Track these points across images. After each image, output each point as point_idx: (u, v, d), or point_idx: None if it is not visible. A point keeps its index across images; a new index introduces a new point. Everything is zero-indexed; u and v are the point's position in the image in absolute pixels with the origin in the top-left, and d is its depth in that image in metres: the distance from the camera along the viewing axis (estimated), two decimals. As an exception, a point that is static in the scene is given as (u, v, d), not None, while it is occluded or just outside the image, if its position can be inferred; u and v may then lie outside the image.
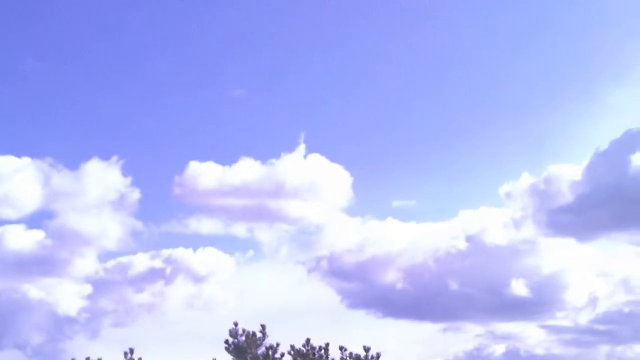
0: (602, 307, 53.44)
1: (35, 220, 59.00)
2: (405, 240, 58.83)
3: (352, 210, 61.01)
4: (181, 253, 57.57)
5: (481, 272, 54.50)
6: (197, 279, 57.00)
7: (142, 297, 55.69)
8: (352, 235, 59.28)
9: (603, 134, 71.06)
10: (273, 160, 59.79)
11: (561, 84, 69.38)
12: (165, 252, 57.51)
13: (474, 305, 52.89)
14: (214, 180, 59.49)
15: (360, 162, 67.20)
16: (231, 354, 21.27)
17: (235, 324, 21.37)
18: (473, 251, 55.78)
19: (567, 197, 53.66)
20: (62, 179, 58.19)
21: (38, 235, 56.13)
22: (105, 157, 59.05)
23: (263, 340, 21.03)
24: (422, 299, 54.63)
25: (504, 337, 53.57)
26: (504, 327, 54.60)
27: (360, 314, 54.18)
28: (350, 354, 20.62)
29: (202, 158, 61.01)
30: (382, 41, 70.83)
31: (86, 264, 56.57)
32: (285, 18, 70.50)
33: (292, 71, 70.52)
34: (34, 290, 54.15)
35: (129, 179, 58.24)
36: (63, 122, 67.98)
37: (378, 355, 20.68)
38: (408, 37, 70.79)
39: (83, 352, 21.72)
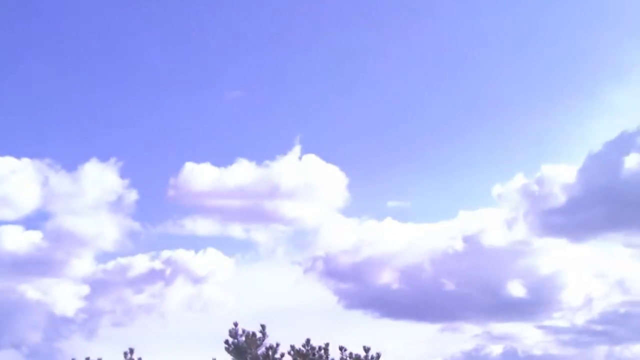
0: (598, 308, 53.69)
1: (33, 221, 58.92)
2: (401, 241, 58.97)
3: (348, 211, 61.25)
4: (179, 254, 57.73)
5: (477, 272, 54.70)
6: (195, 279, 57.09)
7: (140, 298, 55.83)
8: (349, 236, 59.41)
9: (603, 134, 71.53)
10: (269, 162, 59.98)
11: (560, 84, 69.21)
12: (163, 253, 57.63)
13: (471, 306, 53.08)
14: (210, 182, 59.66)
15: (356, 163, 67.14)
16: (231, 354, 21.30)
17: (235, 324, 21.44)
18: (469, 252, 55.96)
19: (560, 198, 54.00)
20: (60, 180, 58.31)
21: (36, 235, 56.33)
22: (103, 158, 59.23)
23: (263, 340, 21.09)
24: (419, 300, 54.86)
25: (501, 338, 53.75)
26: (501, 327, 54.78)
27: (357, 315, 54.40)
28: (350, 354, 20.68)
29: (198, 159, 60.99)
30: (377, 41, 71.02)
31: (83, 264, 56.70)
32: (281, 20, 70.62)
33: (288, 72, 70.51)
34: (31, 290, 54.27)
35: (126, 180, 58.39)
36: (62, 123, 67.99)
37: (378, 356, 20.75)
38: (404, 37, 70.99)
39: (80, 352, 21.79)
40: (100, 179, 57.78)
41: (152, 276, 56.24)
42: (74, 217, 57.63)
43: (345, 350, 20.83)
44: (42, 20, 67.46)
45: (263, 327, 21.24)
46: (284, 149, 61.00)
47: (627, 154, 51.21)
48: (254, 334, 21.17)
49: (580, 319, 53.27)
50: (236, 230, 60.59)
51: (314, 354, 20.73)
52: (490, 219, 57.56)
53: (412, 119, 71.39)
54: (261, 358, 21.02)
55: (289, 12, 69.93)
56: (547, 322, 53.57)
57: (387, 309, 54.13)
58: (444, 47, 71.02)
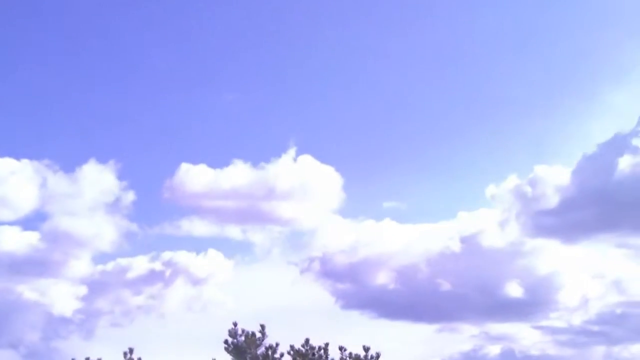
0: (594, 308, 53.90)
1: (31, 221, 59.05)
2: (398, 242, 59.13)
3: (344, 212, 61.39)
4: (176, 255, 57.91)
5: (474, 273, 54.85)
6: (193, 281, 57.26)
7: (138, 299, 55.91)
8: (345, 237, 59.51)
9: (601, 135, 71.68)
10: (265, 163, 60.15)
11: (560, 84, 69.39)
12: (160, 254, 57.82)
13: (468, 306, 53.20)
14: (207, 183, 59.76)
15: (352, 163, 67.28)
16: (231, 354, 21.29)
17: (235, 324, 21.42)
18: (466, 252, 56.11)
19: (552, 199, 54.18)
20: (58, 181, 58.38)
21: (33, 236, 56.39)
22: (101, 159, 59.40)
23: (262, 340, 21.10)
24: (416, 300, 54.97)
25: (498, 338, 53.89)
26: (498, 327, 54.92)
27: (354, 315, 54.50)
28: (350, 354, 20.72)
29: (195, 160, 61.19)
30: (373, 41, 71.22)
31: (81, 265, 56.77)
32: (277, 21, 70.77)
33: (284, 73, 70.61)
34: (29, 291, 54.32)
35: (124, 182, 58.51)
36: (60, 124, 68.13)
37: (377, 356, 20.80)
38: (400, 37, 71.15)
39: (78, 352, 21.80)
40: (98, 180, 57.96)
41: (150, 277, 56.44)
42: (71, 218, 57.84)
43: (345, 350, 20.87)
44: (42, 21, 67.74)
45: (262, 327, 21.23)
46: (280, 150, 61.08)
47: (621, 155, 51.61)
48: (253, 334, 21.15)
49: (577, 320, 53.57)
50: (233, 232, 60.76)
51: (313, 354, 20.75)
52: (487, 220, 57.98)
53: (408, 119, 71.66)
54: (261, 358, 21.02)
55: (285, 13, 70.25)
56: (544, 323, 53.85)
57: (384, 309, 54.39)
58: (441, 48, 71.41)
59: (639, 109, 60.20)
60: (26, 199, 56.40)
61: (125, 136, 68.47)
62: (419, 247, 58.13)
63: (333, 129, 71.08)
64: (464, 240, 56.53)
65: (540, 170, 57.08)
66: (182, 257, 57.41)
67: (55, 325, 52.85)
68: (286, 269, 57.99)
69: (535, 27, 69.39)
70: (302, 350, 20.86)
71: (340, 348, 20.93)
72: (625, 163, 51.41)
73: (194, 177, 59.22)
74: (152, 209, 64.77)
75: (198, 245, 64.15)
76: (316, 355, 20.76)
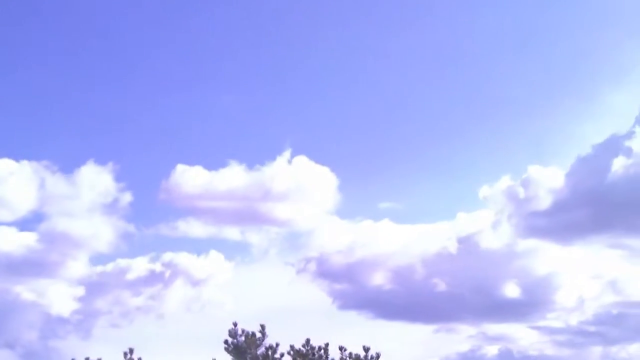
0: (591, 309, 54.11)
1: (28, 222, 59.12)
2: (394, 242, 59.30)
3: (340, 212, 61.46)
4: (174, 256, 58.04)
5: (471, 273, 55.00)
6: (192, 281, 57.43)
7: (136, 299, 56.03)
8: (342, 237, 59.63)
9: (599, 136, 71.70)
10: (261, 165, 60.37)
11: (560, 85, 69.74)
12: (158, 255, 58.05)
13: (465, 307, 53.33)
14: (203, 184, 59.94)
15: (347, 164, 67.46)
16: (231, 354, 21.31)
17: (235, 324, 21.42)
18: (462, 253, 56.27)
19: (546, 200, 54.40)
20: (56, 182, 58.44)
21: (31, 237, 56.44)
22: (100, 160, 59.43)
23: (263, 340, 21.13)
24: (412, 301, 55.08)
25: (496, 339, 54.06)
26: (495, 328, 55.09)
27: (352, 315, 54.60)
28: (350, 354, 20.76)
29: (191, 162, 61.27)
30: (369, 42, 71.41)
31: (78, 266, 56.84)
32: (273, 22, 70.77)
33: (279, 74, 70.58)
34: (27, 291, 54.37)
35: (121, 183, 58.65)
36: (58, 125, 68.24)
37: (377, 356, 20.86)
38: (397, 38, 71.24)
39: (76, 352, 21.81)
40: (96, 181, 58.07)
41: (148, 278, 56.57)
42: (69, 219, 57.91)
43: (345, 350, 20.88)
44: (42, 22, 67.85)
45: (262, 327, 21.23)
46: (276, 151, 61.27)
47: (615, 156, 51.81)
48: (253, 334, 21.15)
49: (574, 320, 53.79)
50: (230, 232, 60.91)
51: (313, 354, 20.79)
52: (484, 221, 58.15)
53: (403, 119, 71.74)
54: (261, 358, 21.06)
55: (281, 15, 70.20)
56: (541, 323, 54.05)
57: (381, 309, 54.52)
58: (438, 49, 71.47)
59: (637, 110, 59.78)
60: (24, 200, 56.64)
61: (123, 137, 68.65)
62: (415, 248, 58.41)
63: (329, 130, 71.33)
64: (460, 240, 56.83)
65: (534, 171, 57.56)
66: (180, 258, 57.75)
67: (53, 325, 52.97)
68: (283, 270, 58.23)
69: (532, 27, 69.74)
70: (302, 351, 20.90)
71: (340, 348, 20.95)
72: (619, 164, 51.77)
73: (191, 178, 59.54)
74: (149, 210, 65.05)
75: (194, 246, 64.30)
76: (316, 356, 20.79)
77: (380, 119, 71.21)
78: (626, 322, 51.91)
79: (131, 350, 21.24)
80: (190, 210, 61.75)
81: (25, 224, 58.39)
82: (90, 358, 20.90)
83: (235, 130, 69.57)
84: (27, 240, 55.98)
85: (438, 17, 70.73)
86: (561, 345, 52.97)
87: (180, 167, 59.22)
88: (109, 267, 57.11)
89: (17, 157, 58.18)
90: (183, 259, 57.71)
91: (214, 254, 58.72)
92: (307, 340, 21.11)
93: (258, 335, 21.21)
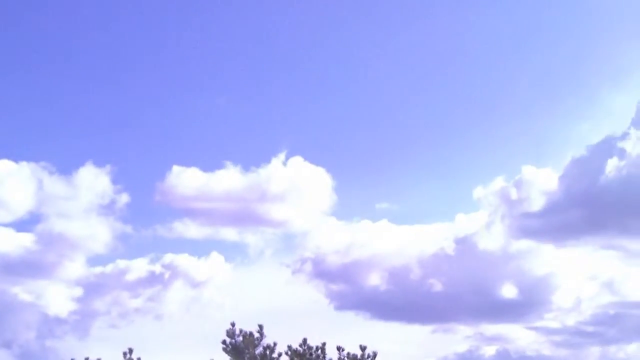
0: (588, 309, 54.30)
1: (26, 223, 59.23)
2: (390, 243, 59.48)
3: (336, 213, 61.58)
4: (170, 256, 58.20)
5: (468, 274, 55.13)
6: (189, 282, 57.55)
7: (133, 300, 56.14)
8: (338, 238, 59.79)
9: (596, 137, 71.75)
10: (256, 166, 60.56)
11: (557, 85, 70.01)
12: (156, 256, 58.24)
13: (462, 307, 53.47)
14: (199, 185, 60.06)
15: (343, 165, 67.71)
16: (229, 354, 21.40)
17: (233, 324, 21.47)
18: (458, 254, 56.43)
19: (540, 201, 54.55)
20: (54, 183, 58.56)
21: (29, 238, 56.55)
22: (98, 161, 59.54)
23: (260, 340, 21.23)
24: (409, 301, 55.21)
25: (493, 339, 54.21)
26: (492, 328, 55.23)
27: (349, 316, 54.72)
28: (348, 354, 20.83)
29: (187, 163, 61.38)
30: (364, 43, 71.38)
31: (76, 267, 56.98)
32: (268, 24, 70.97)
33: (275, 75, 70.78)
34: (24, 292, 54.49)
35: (119, 184, 58.86)
36: (56, 126, 68.42)
37: (374, 355, 20.98)
38: (392, 39, 71.42)
39: (73, 352, 21.89)
40: (94, 182, 58.21)
41: (146, 279, 56.74)
42: (67, 220, 58.06)
43: (343, 350, 20.92)
44: (41, 22, 67.88)
45: (260, 327, 21.28)
46: (272, 152, 61.46)
47: (609, 158, 51.93)
48: (251, 334, 21.20)
49: (571, 320, 53.96)
50: (226, 234, 61.06)
51: (311, 354, 20.89)
52: (479, 222, 58.33)
53: (399, 120, 71.99)
54: (258, 358, 21.16)
55: (276, 17, 70.33)
56: (538, 324, 54.22)
57: (377, 310, 54.63)
58: (434, 50, 71.58)
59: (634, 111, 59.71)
60: (23, 201, 56.79)
61: (121, 139, 68.75)
62: (411, 249, 58.59)
63: (325, 131, 71.45)
64: (456, 241, 57.02)
65: (528, 171, 57.74)
66: (178, 259, 57.96)
67: (50, 326, 53.07)
68: (280, 271, 58.42)
69: (528, 29, 69.98)
70: (299, 350, 20.98)
71: (338, 348, 20.99)
72: (613, 165, 51.93)
73: (187, 179, 59.65)
74: (146, 211, 65.08)
75: (190, 247, 64.46)
76: (314, 355, 20.88)
77: (376, 120, 71.57)
78: (623, 323, 52.21)
79: (130, 350, 21.31)
80: (187, 212, 61.89)
81: (23, 224, 58.59)
82: (90, 358, 21.11)
83: (231, 131, 69.77)
84: (25, 241, 56.21)
85: (434, 19, 70.91)
86: (559, 345, 53.25)
87: (176, 169, 59.45)
88: (106, 268, 57.40)
89: (16, 158, 58.52)
90: (181, 259, 57.98)
91: (211, 255, 59.02)
92: (304, 340, 21.18)
93: (256, 335, 21.27)
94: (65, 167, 60.86)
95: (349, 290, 57.01)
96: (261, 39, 70.36)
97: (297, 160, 59.18)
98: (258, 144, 67.62)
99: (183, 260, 57.87)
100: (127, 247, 59.42)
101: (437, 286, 55.14)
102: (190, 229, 60.02)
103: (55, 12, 68.06)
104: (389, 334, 53.44)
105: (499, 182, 58.39)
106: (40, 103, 67.47)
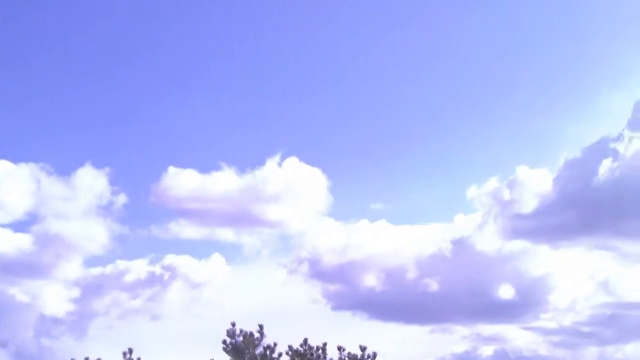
0: (584, 310, 54.49)
1: (24, 224, 59.28)
2: (386, 243, 59.59)
3: (331, 213, 61.69)
4: (167, 257, 58.31)
5: (464, 275, 55.31)
6: (187, 283, 57.65)
7: (130, 301, 56.20)
8: (334, 238, 59.84)
9: (592, 138, 71.63)
10: (252, 167, 60.67)
11: (560, 86, 69.90)
12: (155, 257, 58.39)
13: (459, 308, 53.61)
14: (195, 187, 60.09)
15: (339, 165, 67.65)
16: (229, 354, 21.42)
17: (233, 324, 21.52)
18: (454, 254, 56.58)
19: (534, 202, 54.73)
20: (53, 184, 58.63)
21: (27, 238, 56.63)
22: (96, 163, 59.59)
23: (261, 340, 21.29)
24: (405, 301, 55.37)
25: (490, 339, 54.35)
26: (489, 329, 55.38)
27: (346, 316, 54.82)
28: (349, 353, 20.93)
29: (184, 165, 61.37)
30: (358, 42, 71.45)
31: (73, 268, 57.04)
32: (263, 26, 70.95)
33: (269, 76, 70.69)
34: (21, 292, 54.57)
35: (116, 186, 58.99)
36: (54, 128, 68.50)
37: (374, 355, 21.08)
38: (386, 38, 71.22)
39: (69, 353, 21.92)
40: (92, 183, 58.31)
41: (144, 279, 56.86)
42: (65, 221, 58.18)
43: (344, 350, 21.01)
44: (41, 24, 67.94)
45: (261, 327, 21.34)
46: (268, 153, 61.52)
47: (604, 159, 52.09)
48: (251, 334, 21.24)
49: (567, 321, 54.12)
50: (223, 234, 61.16)
51: (311, 354, 20.97)
52: (474, 223, 58.54)
53: (394, 120, 71.70)
54: (259, 358, 21.23)
55: (270, 16, 70.37)
56: (535, 324, 54.37)
57: (374, 310, 54.75)
58: (428, 49, 71.34)
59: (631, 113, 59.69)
60: (21, 202, 56.91)
61: (119, 140, 68.78)
62: (408, 249, 58.72)
63: (319, 131, 71.29)
64: (452, 242, 57.19)
65: (522, 170, 57.91)
66: (175, 259, 58.01)
67: (48, 326, 53.14)
68: (276, 271, 58.56)
69: (524, 29, 69.88)
70: (300, 350, 21.05)
71: (339, 348, 21.08)
72: (607, 167, 52.12)
73: (183, 181, 59.68)
74: (143, 212, 65.03)
75: (187, 247, 64.55)
76: (314, 355, 20.96)
77: (371, 120, 71.39)
78: (620, 323, 52.36)
79: (130, 350, 21.35)
80: (184, 212, 61.89)
81: (21, 225, 58.66)
82: (90, 358, 21.15)
83: (227, 132, 69.74)
84: (23, 241, 56.29)
85: (430, 19, 70.95)
86: (556, 345, 53.40)
87: (172, 170, 59.51)
88: (105, 268, 57.46)
89: (14, 159, 58.61)
90: (179, 260, 58.01)
91: (211, 256, 59.16)
92: (305, 340, 21.25)
93: (256, 335, 21.33)
94: (64, 168, 61.00)
95: (346, 290, 57.21)
96: (254, 40, 70.50)
97: (293, 161, 59.48)
98: (253, 145, 67.77)
99: (181, 261, 58.00)
100: (124, 247, 59.48)
101: (434, 286, 55.36)
102: (187, 230, 60.23)
103: (55, 12, 68.31)
104: (386, 334, 53.59)
105: (492, 183, 58.71)
106: (40, 104, 67.62)
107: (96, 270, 57.25)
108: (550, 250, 56.08)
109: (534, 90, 68.54)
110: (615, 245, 54.31)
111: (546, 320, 54.07)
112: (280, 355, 21.18)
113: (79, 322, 53.62)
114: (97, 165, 59.08)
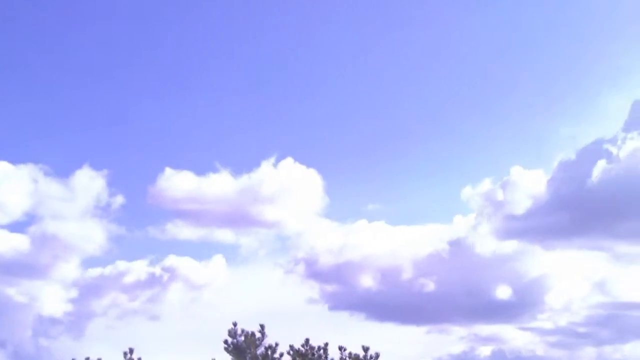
0: (580, 310, 54.75)
1: (22, 225, 59.36)
2: (383, 244, 59.75)
3: (328, 214, 61.86)
4: (163, 258, 58.45)
5: (460, 275, 55.45)
6: (186, 284, 57.74)
7: (128, 301, 56.25)
8: (331, 239, 59.99)
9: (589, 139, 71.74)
10: (249, 167, 60.79)
11: (560, 86, 70.29)
12: (153, 258, 58.56)
13: (456, 308, 53.75)
14: (192, 188, 60.27)
15: (334, 166, 67.91)
16: (230, 354, 21.45)
17: (234, 324, 21.50)
18: (450, 255, 56.75)
19: (529, 203, 54.90)
20: (50, 185, 58.67)
21: (25, 239, 56.66)
22: (94, 164, 59.68)
23: (262, 340, 21.34)
24: (402, 302, 55.49)
25: (487, 339, 54.50)
26: (486, 329, 55.53)
27: (343, 316, 54.94)
28: (350, 353, 21.01)
29: (180, 166, 61.55)
30: (353, 43, 72.09)
31: (71, 268, 57.12)
32: (258, 27, 71.24)
33: (265, 77, 71.13)
34: (19, 293, 54.58)
35: (113, 187, 59.06)
36: (52, 129, 68.59)
37: (377, 355, 21.17)
38: (381, 39, 71.64)
39: (67, 352, 21.97)
40: (90, 185, 58.40)
41: (142, 280, 56.95)
42: (62, 222, 58.18)
43: (345, 350, 21.04)
44: (40, 25, 68.04)
45: (262, 327, 21.34)
46: (264, 155, 61.71)
47: (598, 161, 52.29)
48: (253, 334, 21.25)
49: (564, 321, 54.36)
50: (220, 235, 61.25)
51: (313, 354, 21.03)
52: (469, 224, 58.73)
53: (389, 121, 72.22)
54: (260, 358, 21.27)
55: (265, 19, 70.74)
56: (532, 324, 54.57)
57: (372, 311, 54.87)
58: (424, 50, 71.87)
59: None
60: (20, 203, 56.98)
61: (117, 142, 68.98)
62: (404, 250, 58.86)
63: (315, 132, 71.57)
64: (448, 243, 57.42)
65: (516, 171, 58.13)
66: (174, 260, 58.14)
67: (45, 326, 53.18)
68: (274, 272, 58.65)
69: (521, 29, 70.28)
70: (301, 350, 21.10)
71: (340, 348, 21.12)
72: (601, 168, 52.29)
73: (180, 182, 59.84)
74: (140, 213, 65.13)
75: (184, 248, 64.69)
76: (315, 355, 21.03)
77: (366, 121, 71.79)
78: (616, 323, 52.67)
79: (131, 350, 21.36)
80: (181, 214, 61.98)
81: (19, 226, 58.74)
82: (91, 358, 21.20)
83: (223, 134, 69.98)
84: (21, 242, 56.36)
85: (430, 19, 71.21)
86: (553, 346, 53.61)
87: (169, 172, 59.61)
88: (102, 269, 57.54)
89: (13, 160, 58.64)
90: (175, 260, 58.09)
91: (209, 257, 59.31)
92: (307, 340, 21.27)
93: (258, 335, 21.33)
94: (62, 170, 61.10)
95: (343, 290, 57.38)
96: (250, 42, 70.75)
97: (288, 162, 59.65)
98: (250, 146, 67.98)
99: (181, 262, 58.14)
100: (122, 248, 59.69)
101: (430, 287, 55.49)
102: (184, 231, 60.31)
103: (54, 13, 68.41)
104: (384, 334, 53.69)
105: (486, 184, 58.91)
106: (40, 105, 67.72)
107: (95, 271, 57.40)
108: (545, 251, 56.42)
109: (534, 91, 69.01)
110: (609, 246, 54.68)
111: (543, 321, 54.40)
112: (281, 355, 21.17)
113: (77, 322, 53.80)
114: (96, 166, 59.33)
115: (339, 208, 61.55)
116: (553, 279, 55.09)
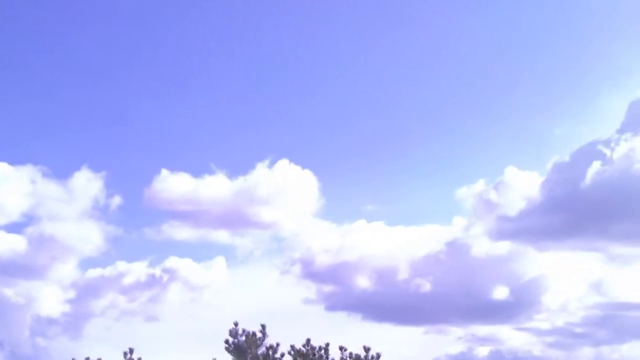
0: (577, 311, 54.84)
1: (20, 225, 59.38)
2: (379, 244, 59.83)
3: (324, 215, 61.92)
4: (167, 259, 58.56)
5: (457, 276, 55.57)
6: (184, 284, 57.78)
7: (126, 302, 56.30)
8: (327, 240, 60.07)
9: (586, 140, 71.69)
10: (245, 169, 60.89)
11: (560, 86, 70.19)
12: (150, 259, 58.56)
13: (454, 309, 53.84)
14: (189, 190, 60.28)
15: (330, 167, 67.88)
16: (231, 354, 21.49)
17: (236, 324, 21.58)
18: (447, 256, 56.86)
19: (524, 204, 55.02)
20: (48, 186, 58.75)
21: (23, 240, 56.71)
22: (92, 166, 59.72)
23: (263, 340, 21.38)
24: (399, 302, 55.57)
25: (485, 340, 54.59)
26: (484, 330, 55.62)
27: (341, 316, 54.99)
28: (350, 354, 21.07)
29: (177, 168, 61.59)
30: (350, 44, 71.96)
31: (68, 269, 57.17)
32: (255, 29, 71.22)
33: (262, 78, 71.14)
34: (17, 293, 54.61)
35: (111, 188, 59.12)
36: (50, 130, 68.59)
37: (378, 356, 21.22)
38: (378, 39, 71.56)
39: (66, 353, 22.01)
40: (88, 186, 58.46)
41: (141, 281, 57.01)
42: (62, 223, 58.28)
43: (346, 350, 21.11)
44: (40, 25, 68.07)
45: (263, 327, 21.43)
46: (259, 156, 61.81)
47: (593, 162, 52.28)
48: (254, 334, 21.34)
49: (561, 322, 54.43)
50: (216, 236, 61.32)
51: (314, 354, 21.10)
52: (463, 225, 58.89)
53: (385, 122, 72.01)
54: (261, 358, 21.33)
55: (261, 21, 70.77)
56: (529, 325, 54.65)
57: (369, 311, 54.94)
58: (421, 51, 71.64)
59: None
60: (19, 204, 57.05)
61: (114, 143, 68.98)
62: (400, 251, 58.96)
63: (310, 133, 71.52)
64: (445, 243, 57.51)
65: (510, 171, 58.18)
66: (172, 261, 58.17)
67: (43, 326, 53.21)
68: (271, 273, 58.77)
69: (519, 30, 70.16)
70: (302, 350, 21.15)
71: (341, 348, 21.18)
72: (595, 170, 52.39)
73: (177, 184, 59.86)
74: (137, 214, 65.14)
75: (182, 249, 64.67)
76: (316, 355, 21.09)
77: (362, 122, 71.62)
78: (613, 323, 52.77)
79: (131, 350, 21.41)
80: (177, 215, 62.03)
81: (17, 227, 58.79)
82: (91, 358, 21.25)
83: (219, 135, 70.05)
84: (19, 243, 56.45)
85: (430, 19, 71.12)
86: (551, 346, 53.67)
87: (166, 173, 59.65)
88: (100, 271, 57.60)
89: (12, 161, 58.72)
90: (175, 262, 58.14)
91: (199, 256, 59.31)
92: (308, 340, 21.32)
93: (259, 335, 21.40)
94: (60, 171, 61.18)
95: (340, 291, 57.40)
96: (248, 44, 70.53)
97: (284, 163, 59.73)
98: (246, 147, 67.85)
99: (180, 263, 58.19)
100: (119, 249, 59.73)
101: (427, 287, 55.57)
102: (181, 232, 60.34)
103: (54, 13, 68.43)
104: (381, 335, 53.67)
105: (480, 185, 59.05)
106: (39, 105, 67.66)
107: (94, 272, 57.46)
108: (539, 252, 56.46)
109: (533, 92, 68.94)
110: (604, 248, 54.80)
111: (540, 321, 54.45)
112: (282, 355, 21.24)
113: (74, 323, 53.78)
114: (94, 168, 59.34)
115: (336, 209, 61.68)
116: (549, 280, 55.23)
